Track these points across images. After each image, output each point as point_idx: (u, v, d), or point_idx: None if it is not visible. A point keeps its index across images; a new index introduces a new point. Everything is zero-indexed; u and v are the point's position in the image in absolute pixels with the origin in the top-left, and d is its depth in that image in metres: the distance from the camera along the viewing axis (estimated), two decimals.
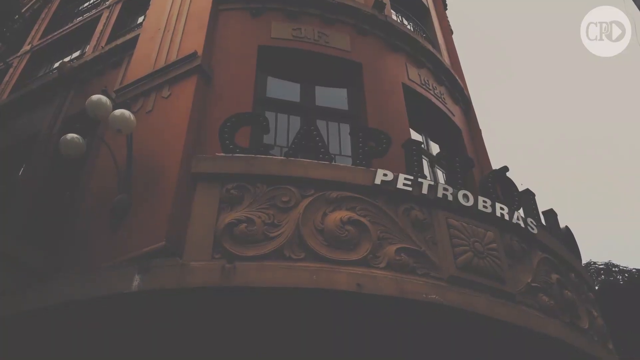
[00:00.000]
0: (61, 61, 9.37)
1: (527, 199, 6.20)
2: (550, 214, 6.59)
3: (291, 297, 4.29)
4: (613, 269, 16.51)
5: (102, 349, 4.51)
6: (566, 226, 6.78)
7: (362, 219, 4.82)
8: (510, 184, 6.09)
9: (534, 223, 5.73)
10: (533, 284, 5.24)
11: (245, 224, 4.52)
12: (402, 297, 4.37)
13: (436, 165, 7.82)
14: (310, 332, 4.69)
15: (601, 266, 16.72)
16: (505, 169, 6.15)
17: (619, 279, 16.28)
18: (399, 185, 5.10)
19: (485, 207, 5.37)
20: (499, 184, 6.12)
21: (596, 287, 14.25)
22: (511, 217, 5.50)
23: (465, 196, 5.33)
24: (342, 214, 4.79)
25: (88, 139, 6.85)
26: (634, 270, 16.20)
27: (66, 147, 5.82)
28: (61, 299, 4.06)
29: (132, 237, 5.06)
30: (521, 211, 5.86)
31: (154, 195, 5.25)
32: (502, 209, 5.47)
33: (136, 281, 3.98)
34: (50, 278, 4.29)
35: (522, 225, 5.55)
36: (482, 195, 5.56)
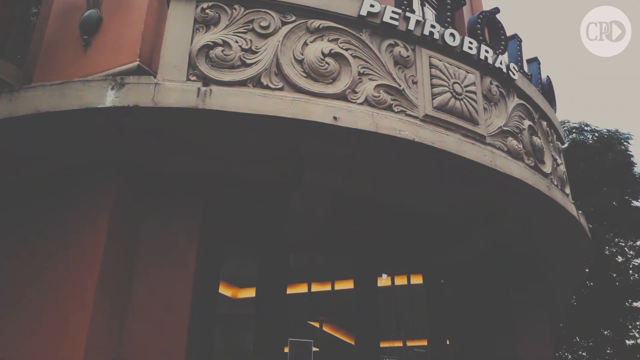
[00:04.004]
0: None
1: (514, 44, 6.07)
2: (534, 62, 6.51)
3: (266, 125, 4.30)
4: (585, 128, 16.81)
5: (71, 161, 4.61)
6: (547, 76, 6.75)
7: (344, 52, 4.68)
8: (499, 27, 5.89)
9: (516, 69, 5.67)
10: (505, 128, 5.36)
11: (221, 48, 4.35)
12: (376, 132, 4.41)
13: (426, 4, 7.45)
14: (283, 163, 4.82)
15: (575, 125, 16.98)
16: (496, 10, 5.90)
17: (589, 137, 16.66)
18: (386, 18, 4.87)
19: (470, 48, 5.24)
20: (488, 27, 5.91)
21: (566, 144, 14.71)
22: (495, 60, 5.42)
23: (451, 35, 5.17)
24: (324, 45, 4.63)
25: None
26: (604, 130, 16.54)
27: None
28: (32, 109, 3.99)
29: (103, 55, 4.88)
30: (506, 56, 5.76)
31: (125, 12, 4.95)
32: (486, 51, 5.35)
33: (110, 97, 3.90)
34: (21, 89, 4.16)
35: (504, 70, 5.49)
36: (469, 37, 5.40)
